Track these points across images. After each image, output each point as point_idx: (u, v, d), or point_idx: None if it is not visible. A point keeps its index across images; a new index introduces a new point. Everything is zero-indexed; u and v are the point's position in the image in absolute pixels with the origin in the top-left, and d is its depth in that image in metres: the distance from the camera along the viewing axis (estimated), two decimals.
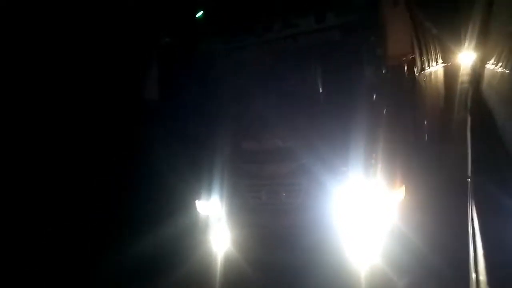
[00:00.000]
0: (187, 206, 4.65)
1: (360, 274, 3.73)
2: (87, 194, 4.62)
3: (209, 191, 4.44)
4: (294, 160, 3.97)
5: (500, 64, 6.09)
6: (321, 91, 4.10)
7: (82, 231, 4.52)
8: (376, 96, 3.80)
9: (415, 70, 4.43)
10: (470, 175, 5.18)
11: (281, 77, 4.22)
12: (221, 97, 4.48)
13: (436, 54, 6.87)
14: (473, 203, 4.30)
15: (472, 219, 4.06)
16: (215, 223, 4.49)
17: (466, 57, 11.98)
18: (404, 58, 3.49)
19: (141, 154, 4.64)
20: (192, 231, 4.63)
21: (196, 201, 4.62)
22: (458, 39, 11.11)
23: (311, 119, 3.97)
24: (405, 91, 4.01)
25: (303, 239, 3.89)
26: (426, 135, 5.09)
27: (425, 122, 5.10)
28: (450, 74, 9.06)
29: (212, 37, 4.53)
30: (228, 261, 4.39)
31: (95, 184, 4.65)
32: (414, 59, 4.27)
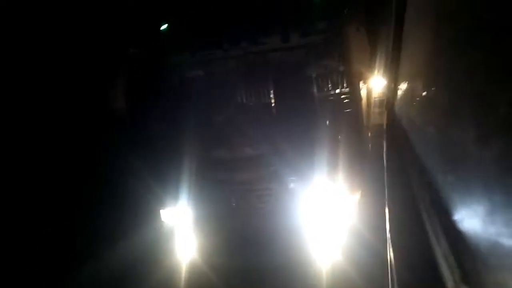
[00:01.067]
0: (151, 215, 4.63)
1: (324, 272, 4.09)
2: (45, 205, 4.39)
3: (176, 199, 4.50)
4: (265, 166, 4.26)
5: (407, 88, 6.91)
6: (288, 103, 4.49)
7: (42, 243, 4.26)
8: (336, 111, 4.31)
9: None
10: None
11: (250, 89, 4.52)
12: (189, 107, 4.61)
13: None
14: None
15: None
16: (182, 231, 4.56)
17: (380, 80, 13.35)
18: (363, 77, 4.00)
19: (105, 161, 4.55)
20: (157, 241, 4.61)
21: (161, 210, 4.64)
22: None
23: (279, 129, 4.30)
24: (359, 106, 4.54)
25: (273, 242, 4.16)
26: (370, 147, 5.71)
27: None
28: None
29: (179, 49, 4.68)
30: (194, 268, 4.46)
31: (53, 192, 4.43)
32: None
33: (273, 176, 4.24)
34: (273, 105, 4.52)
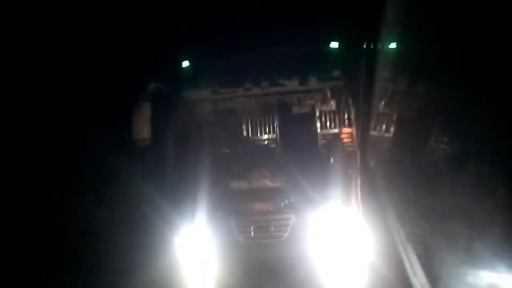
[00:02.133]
0: (166, 243, 4.66)
1: None
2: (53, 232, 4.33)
3: (191, 228, 4.60)
4: (282, 197, 4.54)
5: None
6: (296, 140, 4.89)
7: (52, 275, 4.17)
8: (347, 146, 4.76)
9: None
10: None
11: (267, 125, 4.88)
12: (209, 140, 4.88)
13: None
14: None
15: None
16: (197, 260, 4.62)
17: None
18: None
19: (123, 190, 4.63)
20: (170, 269, 4.62)
21: (176, 238, 4.70)
22: None
23: (295, 162, 4.65)
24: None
25: (291, 272, 4.32)
26: None
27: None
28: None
29: (200, 87, 5.01)
30: None
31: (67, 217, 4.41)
32: None
33: (290, 206, 4.51)
34: (282, 140, 4.90)
